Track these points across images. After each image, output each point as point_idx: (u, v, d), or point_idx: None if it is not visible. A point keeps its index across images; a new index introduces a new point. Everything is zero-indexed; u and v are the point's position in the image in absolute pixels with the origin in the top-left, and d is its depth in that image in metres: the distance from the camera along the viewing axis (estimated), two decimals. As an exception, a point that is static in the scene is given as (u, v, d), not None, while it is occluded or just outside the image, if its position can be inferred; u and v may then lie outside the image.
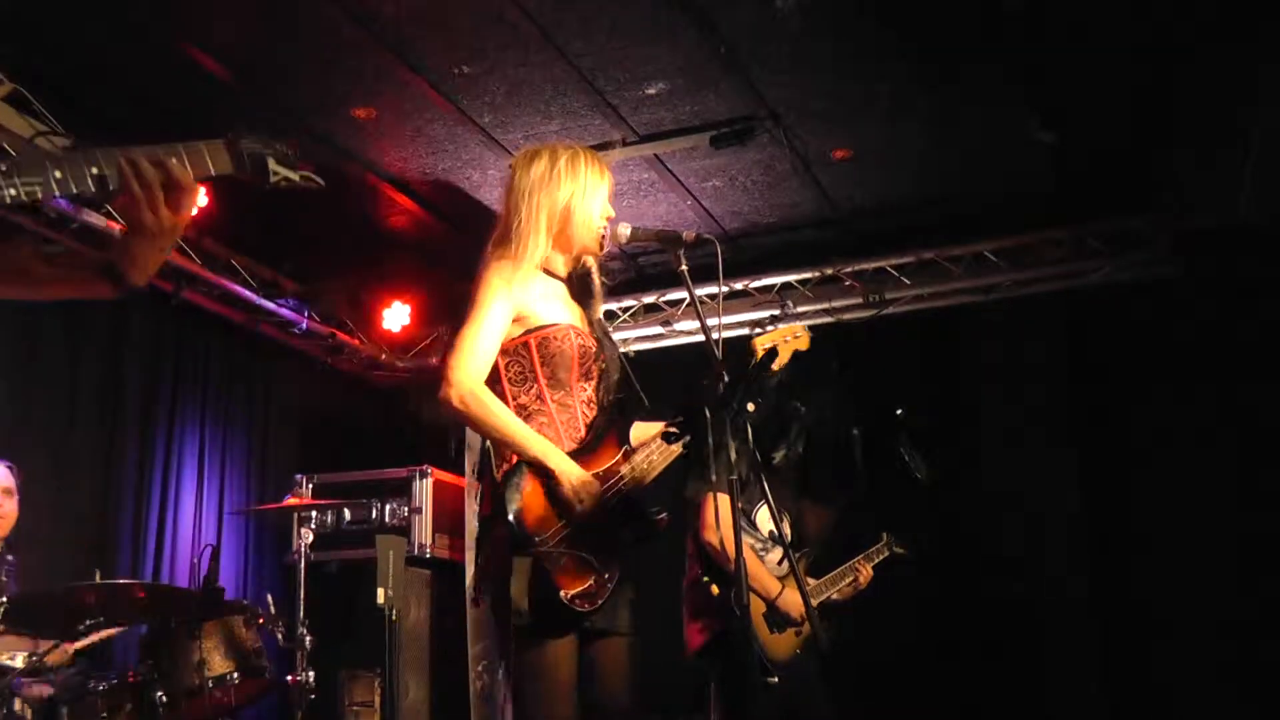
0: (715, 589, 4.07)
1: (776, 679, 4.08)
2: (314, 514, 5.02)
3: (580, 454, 2.74)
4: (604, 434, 2.79)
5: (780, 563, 4.30)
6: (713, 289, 2.90)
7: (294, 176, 1.79)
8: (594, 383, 2.85)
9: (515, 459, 2.67)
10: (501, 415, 2.67)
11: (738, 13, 4.34)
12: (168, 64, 4.58)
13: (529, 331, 2.77)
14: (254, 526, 6.46)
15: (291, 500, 5.04)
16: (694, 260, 2.88)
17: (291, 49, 4.57)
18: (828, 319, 6.58)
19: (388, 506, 6.28)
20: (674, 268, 2.85)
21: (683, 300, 6.63)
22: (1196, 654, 5.60)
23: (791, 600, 4.14)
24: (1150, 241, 5.95)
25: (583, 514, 2.65)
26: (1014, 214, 6.06)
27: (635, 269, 6.78)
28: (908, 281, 6.40)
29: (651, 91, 4.88)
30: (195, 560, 5.44)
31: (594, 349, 2.84)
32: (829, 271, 6.48)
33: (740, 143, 5.23)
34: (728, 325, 6.33)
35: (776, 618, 4.17)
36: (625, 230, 2.91)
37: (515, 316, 2.76)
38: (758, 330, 3.07)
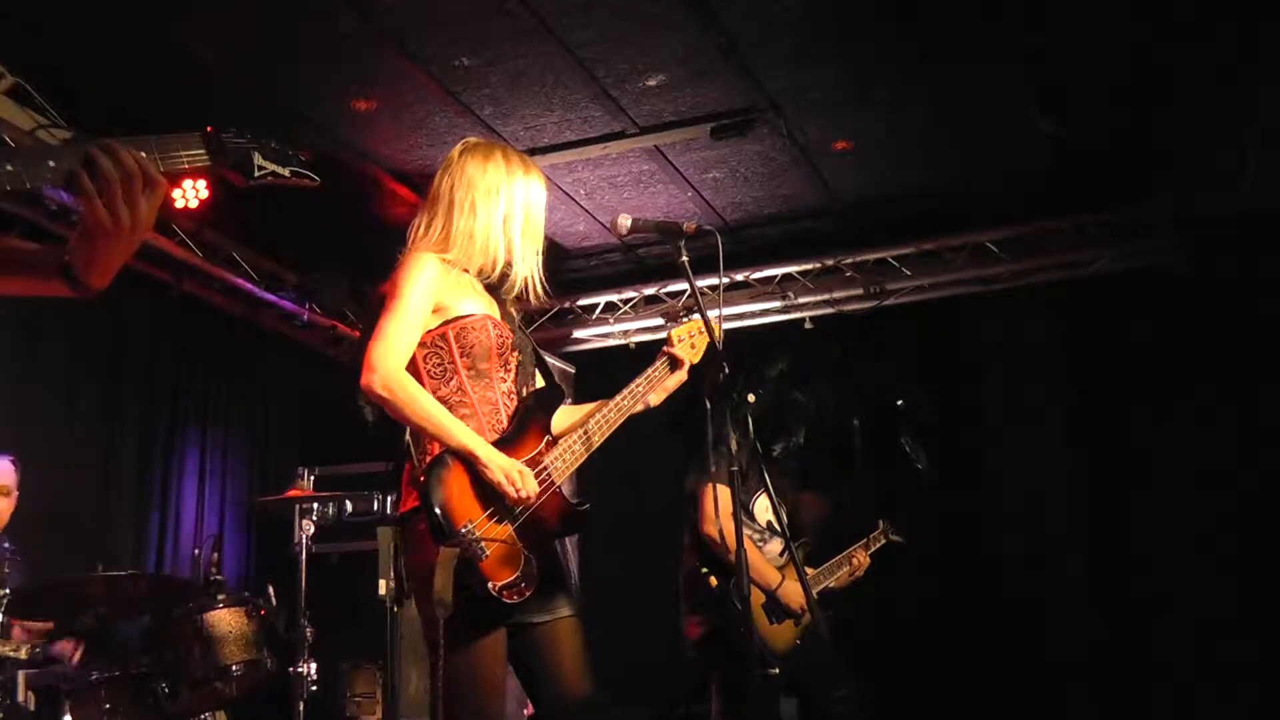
0: (714, 581, 4.06)
1: (777, 670, 4.08)
2: (315, 505, 5.00)
3: (503, 444, 2.68)
4: (527, 424, 2.75)
5: (781, 554, 4.30)
6: (713, 280, 2.88)
7: (283, 172, 1.64)
8: (512, 374, 2.81)
9: (436, 448, 2.61)
10: (426, 403, 2.59)
11: (738, 4, 4.33)
12: (168, 55, 4.57)
13: (447, 322, 2.71)
14: (255, 518, 6.47)
15: (293, 492, 5.03)
16: (695, 251, 2.88)
17: (291, 40, 4.56)
18: (828, 310, 6.59)
19: (389, 498, 6.27)
20: (674, 259, 2.86)
21: (683, 291, 6.64)
22: (1195, 648, 5.62)
23: (791, 591, 4.14)
24: (1151, 230, 5.95)
25: (524, 499, 2.60)
26: (1014, 204, 6.05)
27: (635, 260, 6.77)
28: (908, 272, 6.40)
29: (652, 83, 4.87)
30: (197, 552, 5.44)
31: (510, 339, 2.81)
32: (830, 262, 6.48)
33: (741, 134, 5.22)
34: (729, 316, 6.33)
35: (776, 608, 4.17)
36: (626, 221, 2.90)
37: (434, 307, 2.71)
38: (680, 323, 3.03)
